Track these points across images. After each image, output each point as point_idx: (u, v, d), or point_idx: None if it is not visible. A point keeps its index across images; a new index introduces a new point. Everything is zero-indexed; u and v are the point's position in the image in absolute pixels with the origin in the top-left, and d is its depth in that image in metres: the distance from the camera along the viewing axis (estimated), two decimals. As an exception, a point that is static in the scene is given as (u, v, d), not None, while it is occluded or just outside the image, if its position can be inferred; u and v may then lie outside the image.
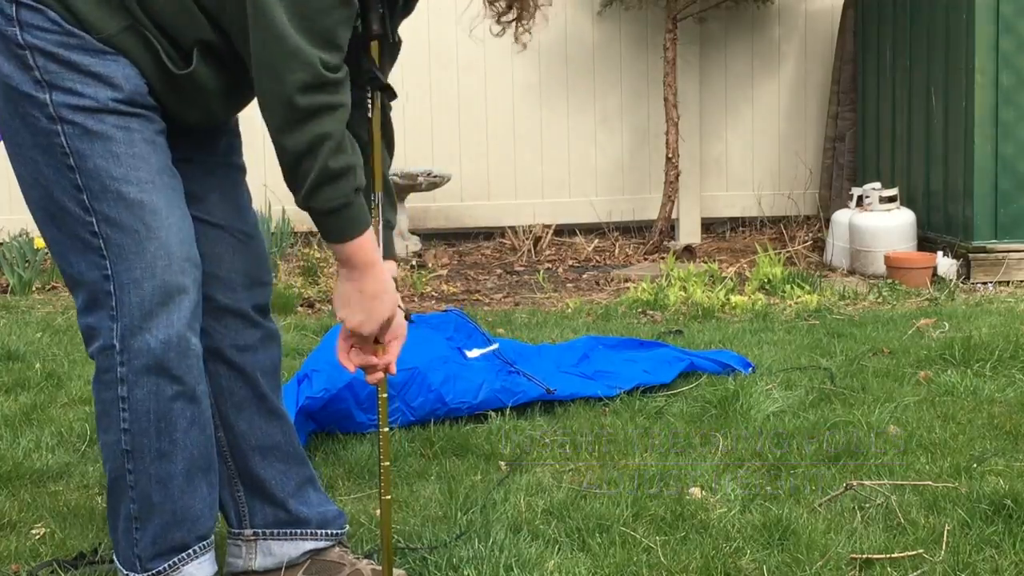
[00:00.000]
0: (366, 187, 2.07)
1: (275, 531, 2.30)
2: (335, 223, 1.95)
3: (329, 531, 2.32)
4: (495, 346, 3.77)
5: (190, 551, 2.09)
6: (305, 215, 1.99)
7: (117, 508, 2.08)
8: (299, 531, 2.30)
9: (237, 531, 2.30)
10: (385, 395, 2.17)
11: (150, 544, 2.06)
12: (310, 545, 2.30)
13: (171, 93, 2.02)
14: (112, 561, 2.36)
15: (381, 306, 2.04)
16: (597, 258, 7.54)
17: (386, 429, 2.18)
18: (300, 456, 2.32)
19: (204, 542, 2.12)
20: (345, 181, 1.92)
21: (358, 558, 2.33)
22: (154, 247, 1.96)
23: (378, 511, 2.48)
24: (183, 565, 2.08)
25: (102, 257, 1.96)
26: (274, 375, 2.29)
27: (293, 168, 1.90)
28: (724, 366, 4.00)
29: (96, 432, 2.09)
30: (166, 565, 2.07)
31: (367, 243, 1.99)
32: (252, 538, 2.30)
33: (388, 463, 2.19)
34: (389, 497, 2.21)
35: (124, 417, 2.00)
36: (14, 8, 1.92)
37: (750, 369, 4.02)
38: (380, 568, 2.26)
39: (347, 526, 2.37)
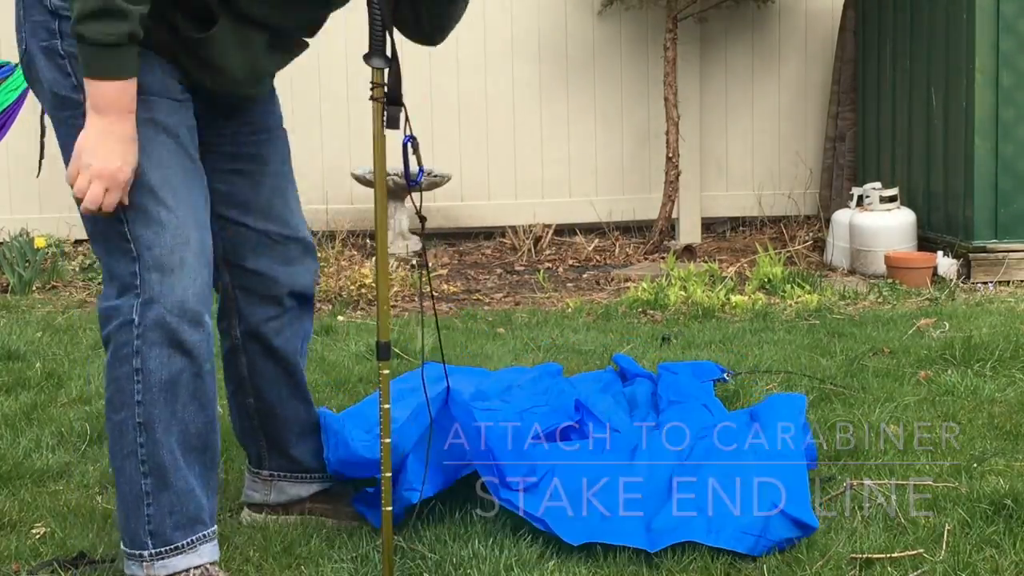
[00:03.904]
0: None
1: (288, 474, 2.65)
2: (105, 59, 1.99)
3: (324, 474, 2.67)
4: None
5: (206, 532, 2.19)
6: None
7: (126, 493, 2.15)
8: (308, 475, 2.66)
9: (256, 470, 2.66)
10: (388, 406, 2.18)
11: (167, 516, 2.14)
12: (317, 487, 2.67)
13: (201, 64, 2.18)
14: (113, 561, 2.37)
15: (135, 149, 2.07)
16: (597, 258, 7.54)
17: (387, 440, 2.19)
18: (317, 427, 2.67)
19: (209, 526, 2.20)
20: (125, 22, 1.97)
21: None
22: (172, 232, 2.11)
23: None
24: (200, 544, 2.18)
25: (131, 247, 2.11)
26: (302, 355, 2.59)
27: None
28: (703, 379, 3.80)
29: (105, 418, 2.18)
30: (184, 542, 2.16)
31: (132, 89, 2.04)
32: (269, 478, 2.65)
33: (389, 474, 2.20)
34: (390, 508, 2.22)
35: (138, 389, 2.11)
36: (57, 22, 2.11)
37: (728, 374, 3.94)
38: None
39: None
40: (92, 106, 2.02)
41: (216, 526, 2.24)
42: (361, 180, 7.10)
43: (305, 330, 2.60)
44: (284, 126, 2.53)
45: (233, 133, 2.40)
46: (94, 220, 2.13)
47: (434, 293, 5.26)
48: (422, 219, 2.23)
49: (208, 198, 2.25)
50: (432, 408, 2.50)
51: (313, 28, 2.34)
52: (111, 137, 2.02)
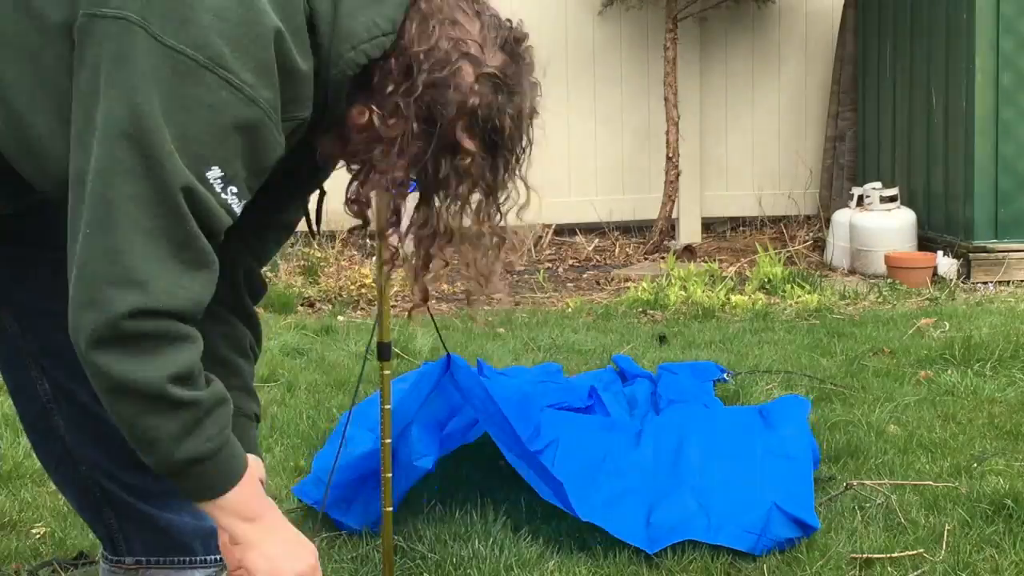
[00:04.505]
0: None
1: (160, 559, 2.02)
2: (223, 465, 1.52)
3: (215, 556, 2.02)
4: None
5: None
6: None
7: None
8: (186, 559, 2.03)
9: (116, 559, 2.03)
10: (388, 406, 2.18)
11: None
12: (200, 574, 2.05)
13: None
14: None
15: (307, 544, 1.62)
16: (597, 258, 7.54)
17: (388, 440, 2.19)
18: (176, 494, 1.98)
19: None
20: (220, 407, 1.51)
21: None
22: None
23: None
24: None
25: None
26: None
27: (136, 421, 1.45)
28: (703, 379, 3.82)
29: None
30: None
31: (255, 478, 1.60)
32: (134, 567, 2.03)
33: (389, 475, 2.20)
34: (390, 509, 2.22)
35: None
36: None
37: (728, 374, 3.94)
38: None
39: None
40: (238, 530, 1.55)
41: None
42: (361, 180, 7.09)
43: None
44: None
45: None
46: None
47: (435, 294, 5.25)
48: None
49: None
50: (432, 376, 2.43)
51: None
52: (276, 540, 1.57)
